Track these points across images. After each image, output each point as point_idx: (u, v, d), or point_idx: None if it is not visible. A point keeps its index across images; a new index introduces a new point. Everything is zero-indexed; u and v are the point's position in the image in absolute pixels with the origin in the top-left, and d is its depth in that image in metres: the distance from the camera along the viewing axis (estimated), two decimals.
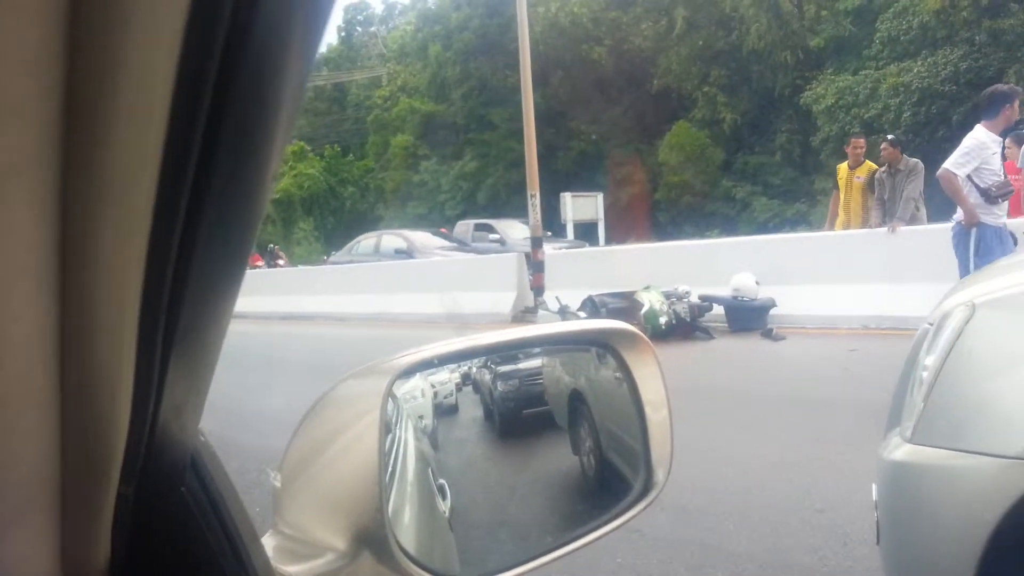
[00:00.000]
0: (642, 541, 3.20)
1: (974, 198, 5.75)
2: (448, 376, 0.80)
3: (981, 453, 1.52)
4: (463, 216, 30.17)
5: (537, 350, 0.96)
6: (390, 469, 0.67)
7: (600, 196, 21.82)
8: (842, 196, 9.14)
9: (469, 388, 0.82)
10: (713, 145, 25.35)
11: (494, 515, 0.82)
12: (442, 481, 0.74)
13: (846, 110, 21.03)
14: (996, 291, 1.79)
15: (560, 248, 14.78)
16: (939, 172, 5.99)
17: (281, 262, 24.86)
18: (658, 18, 27.22)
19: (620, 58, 28.64)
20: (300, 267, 22.10)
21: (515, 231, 17.27)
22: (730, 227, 21.67)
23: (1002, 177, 5.73)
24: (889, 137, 8.75)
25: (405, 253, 16.19)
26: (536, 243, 11.79)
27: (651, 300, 8.62)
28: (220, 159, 0.28)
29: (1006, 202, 5.70)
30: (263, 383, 6.78)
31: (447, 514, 0.73)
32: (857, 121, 20.23)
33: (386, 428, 0.63)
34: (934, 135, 18.04)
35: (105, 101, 0.24)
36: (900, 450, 1.70)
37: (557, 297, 10.19)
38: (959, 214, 5.96)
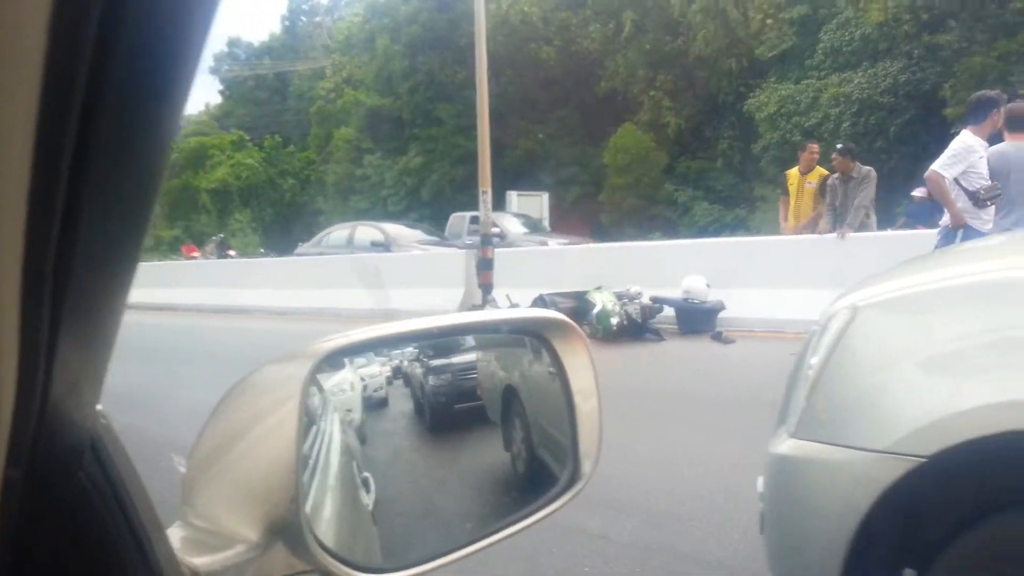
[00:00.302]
0: (610, 548, 3.10)
1: (962, 202, 5.76)
2: (379, 369, 0.78)
3: (855, 447, 1.64)
4: (406, 212, 29.86)
5: (471, 342, 0.95)
6: (312, 461, 0.65)
7: (546, 196, 21.84)
8: (792, 201, 9.22)
9: (400, 382, 0.80)
10: (657, 149, 25.56)
11: (420, 508, 0.81)
12: (367, 474, 0.72)
13: (787, 118, 21.43)
14: (877, 295, 1.87)
15: (563, 243, 14.44)
16: (927, 174, 6.02)
17: (232, 253, 24.26)
18: (607, 20, 27.33)
19: (568, 59, 28.71)
20: (245, 259, 21.50)
21: (514, 225, 16.61)
22: (672, 230, 21.93)
23: (989, 181, 5.77)
24: (839, 146, 8.84)
25: (382, 246, 15.18)
26: (486, 241, 11.62)
27: (603, 301, 8.57)
28: (100, 138, 0.28)
29: (993, 207, 5.73)
30: (195, 376, 6.52)
31: (371, 507, 0.72)
32: (798, 129, 20.62)
33: (308, 416, 0.61)
34: (872, 145, 18.52)
35: None
36: (784, 444, 1.80)
37: (508, 295, 10.08)
38: (945, 218, 5.99)
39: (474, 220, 16.96)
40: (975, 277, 1.83)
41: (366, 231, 16.44)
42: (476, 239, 15.21)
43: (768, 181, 22.04)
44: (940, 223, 6.20)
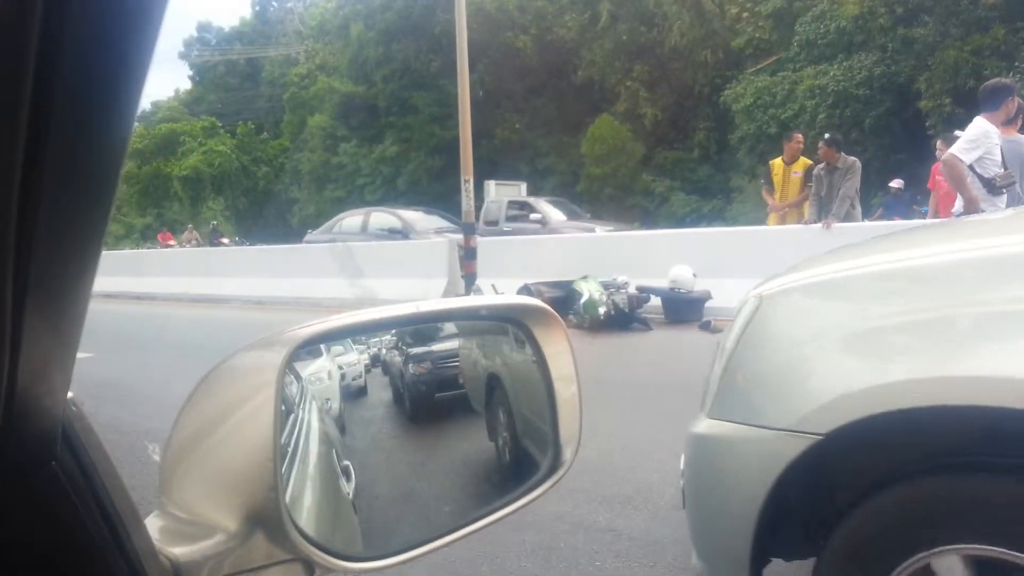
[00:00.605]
0: (620, 542, 3.07)
1: (976, 188, 5.69)
2: (356, 357, 0.77)
3: (760, 426, 1.75)
4: (381, 202, 29.62)
5: (450, 329, 0.93)
6: (291, 449, 0.65)
7: (523, 185, 21.78)
8: (777, 191, 9.26)
9: (378, 370, 0.79)
10: (634, 139, 25.63)
11: (401, 497, 0.79)
12: (347, 463, 0.72)
13: (764, 110, 21.54)
14: (783, 284, 1.96)
15: (608, 230, 13.92)
16: (944, 158, 5.95)
17: (225, 240, 23.94)
18: (582, 10, 27.29)
19: (545, 48, 28.64)
20: (224, 248, 21.15)
21: (554, 212, 15.70)
22: (650, 220, 21.99)
23: (1003, 168, 5.76)
24: (826, 136, 8.78)
25: (400, 233, 14.23)
26: (468, 229, 11.54)
27: (590, 290, 8.56)
28: (55, 124, 0.27)
29: (1007, 194, 5.74)
30: (171, 367, 6.44)
31: (351, 496, 0.71)
32: (774, 121, 20.76)
33: (285, 404, 0.60)
34: (847, 137, 18.68)
35: None
36: (701, 424, 1.93)
37: (493, 285, 10.05)
38: (958, 205, 5.97)
39: (514, 206, 16.19)
40: (871, 267, 1.94)
41: (381, 217, 15.49)
42: (517, 226, 14.75)
43: (744, 172, 22.22)
44: (953, 210, 6.21)
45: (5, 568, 0.42)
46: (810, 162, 8.98)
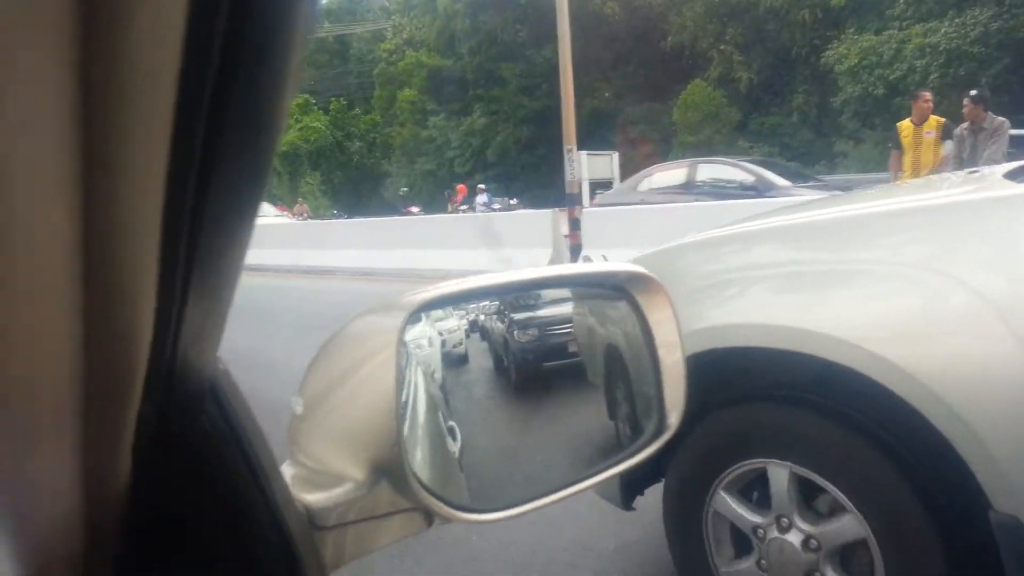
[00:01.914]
0: None
1: None
2: (456, 323, 0.77)
3: None
4: (471, 174, 29.82)
5: (557, 295, 0.94)
6: (404, 409, 0.66)
7: (615, 155, 21.59)
8: (909, 154, 8.76)
9: (476, 335, 0.79)
10: (728, 105, 25.03)
11: (506, 460, 0.81)
12: (452, 424, 0.73)
13: (869, 71, 20.64)
14: (645, 255, 2.29)
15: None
16: None
17: (415, 210, 24.40)
18: None
19: (632, 14, 28.18)
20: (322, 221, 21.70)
21: None
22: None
23: None
24: (972, 93, 7.90)
25: (753, 190, 10.97)
26: (572, 200, 11.57)
27: None
28: (230, 113, 0.29)
29: None
30: (299, 335, 6.68)
31: (457, 455, 0.73)
32: (881, 82, 19.91)
33: (402, 363, 0.63)
34: (961, 98, 17.83)
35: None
36: None
37: (604, 256, 10.05)
38: None
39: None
40: (707, 236, 2.25)
41: (717, 170, 12.17)
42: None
43: (848, 136, 21.46)
44: None
45: (162, 510, 0.47)
46: (943, 120, 8.47)
